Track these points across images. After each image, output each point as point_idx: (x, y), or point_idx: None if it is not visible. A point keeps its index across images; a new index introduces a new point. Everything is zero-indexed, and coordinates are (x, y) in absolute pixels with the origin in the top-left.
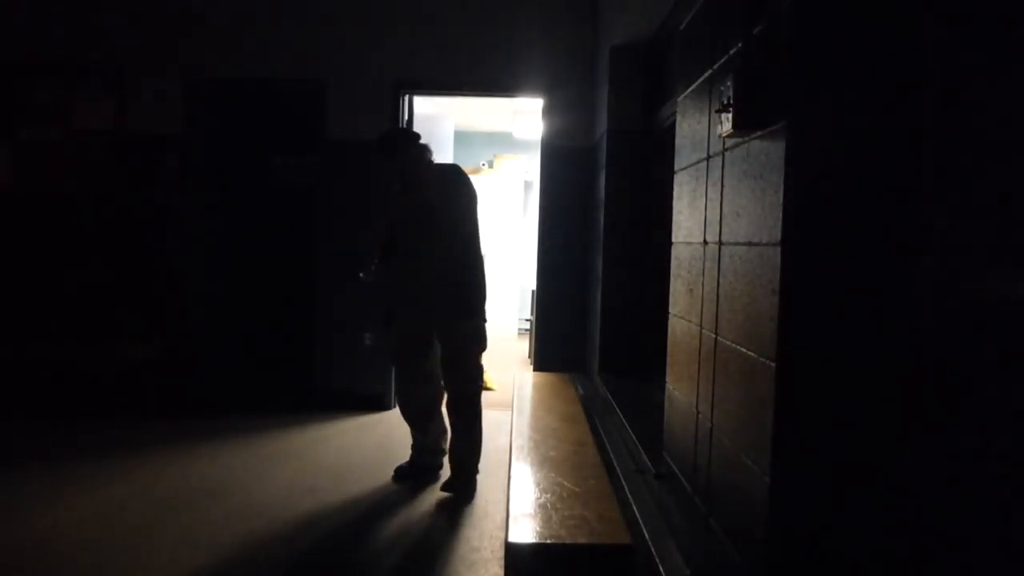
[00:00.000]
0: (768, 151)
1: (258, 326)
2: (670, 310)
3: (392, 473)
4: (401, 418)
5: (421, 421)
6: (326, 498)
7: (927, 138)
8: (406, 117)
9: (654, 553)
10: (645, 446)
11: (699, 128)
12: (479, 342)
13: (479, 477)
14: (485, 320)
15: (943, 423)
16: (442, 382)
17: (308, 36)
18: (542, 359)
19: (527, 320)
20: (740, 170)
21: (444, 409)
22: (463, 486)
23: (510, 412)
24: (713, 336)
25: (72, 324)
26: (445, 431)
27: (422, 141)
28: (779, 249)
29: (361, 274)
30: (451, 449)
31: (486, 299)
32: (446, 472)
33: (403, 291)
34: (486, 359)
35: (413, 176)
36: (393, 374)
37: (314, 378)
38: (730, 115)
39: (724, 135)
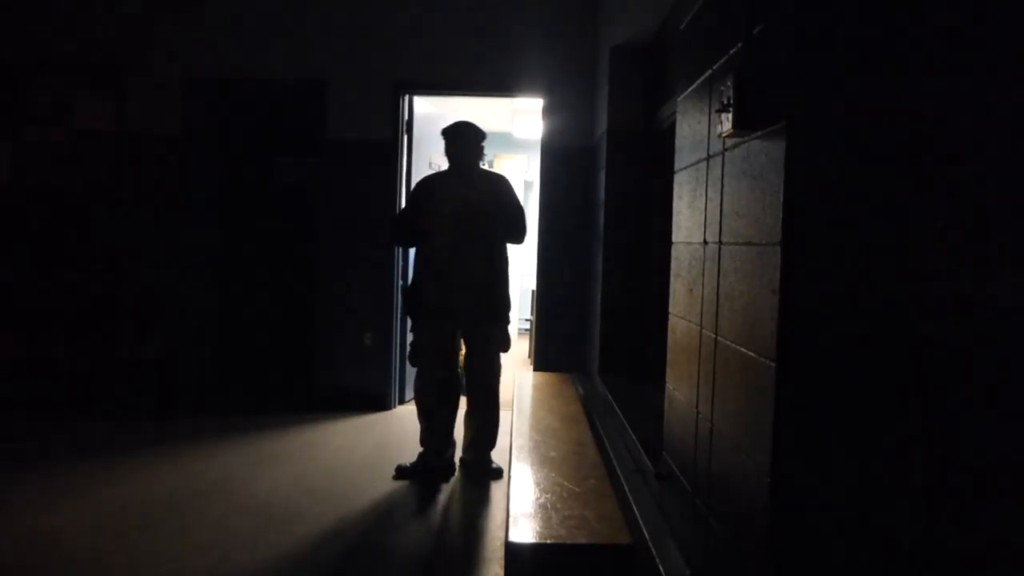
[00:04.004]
0: (768, 151)
1: (258, 326)
2: (670, 310)
3: (393, 472)
4: (401, 418)
5: (435, 417)
6: (326, 498)
7: (927, 137)
8: (406, 117)
9: (654, 553)
10: (645, 446)
11: (699, 128)
12: (503, 343)
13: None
14: (509, 322)
15: (943, 423)
16: (462, 384)
17: (308, 36)
18: (542, 359)
19: (527, 320)
20: (740, 170)
21: (459, 416)
22: (480, 473)
23: (510, 412)
24: (713, 336)
25: (72, 324)
26: (451, 438)
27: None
28: (779, 249)
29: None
30: (469, 442)
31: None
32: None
33: (435, 285)
34: None
35: (468, 168)
36: (415, 367)
37: (314, 378)
38: (730, 115)
39: (724, 135)
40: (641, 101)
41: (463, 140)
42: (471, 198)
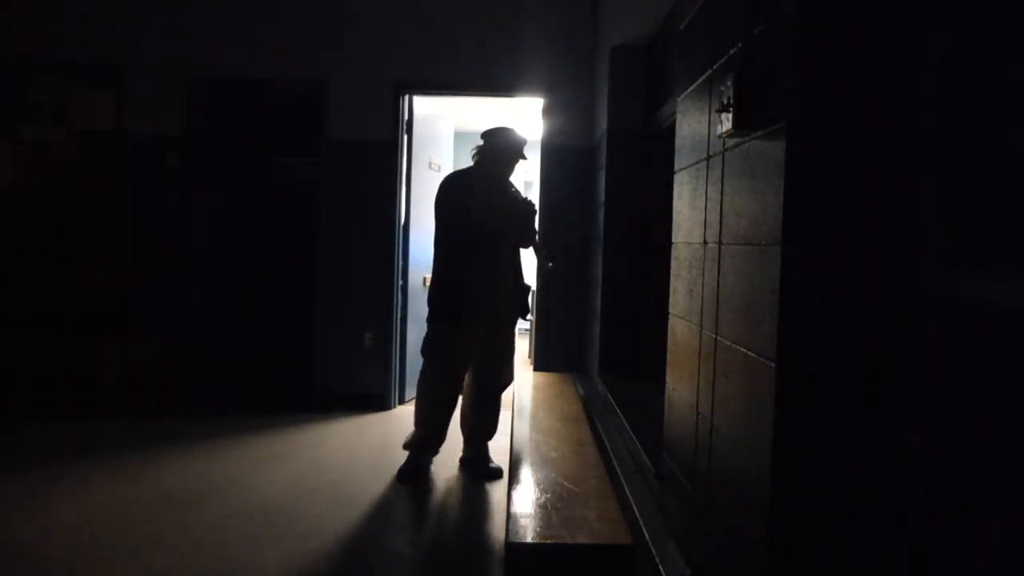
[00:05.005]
0: (768, 151)
1: (258, 326)
2: (670, 310)
3: (395, 474)
4: (401, 418)
5: (445, 417)
6: (326, 498)
7: (927, 137)
8: (406, 117)
9: (654, 553)
10: (645, 446)
11: (699, 128)
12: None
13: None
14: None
15: (943, 423)
16: (476, 381)
17: (308, 36)
18: (542, 359)
19: (527, 320)
20: (740, 170)
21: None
22: (479, 473)
23: (510, 412)
24: (713, 336)
25: (72, 324)
26: (444, 437)
27: (526, 150)
28: (779, 249)
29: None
30: (474, 433)
31: None
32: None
33: (482, 288)
34: None
35: (498, 175)
36: (429, 367)
37: (314, 378)
38: (730, 115)
39: (724, 135)
40: (641, 101)
41: (499, 143)
42: (503, 203)
